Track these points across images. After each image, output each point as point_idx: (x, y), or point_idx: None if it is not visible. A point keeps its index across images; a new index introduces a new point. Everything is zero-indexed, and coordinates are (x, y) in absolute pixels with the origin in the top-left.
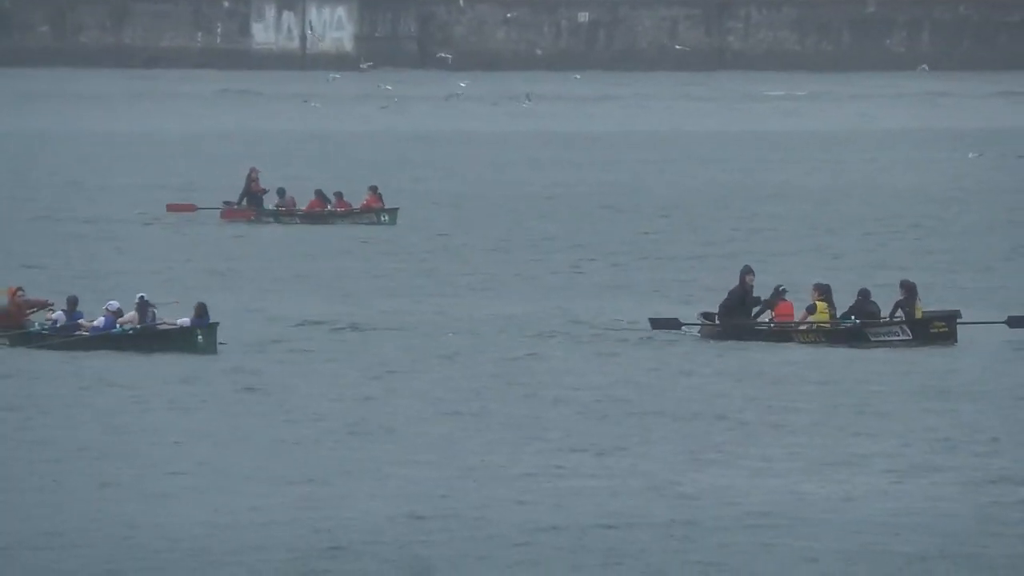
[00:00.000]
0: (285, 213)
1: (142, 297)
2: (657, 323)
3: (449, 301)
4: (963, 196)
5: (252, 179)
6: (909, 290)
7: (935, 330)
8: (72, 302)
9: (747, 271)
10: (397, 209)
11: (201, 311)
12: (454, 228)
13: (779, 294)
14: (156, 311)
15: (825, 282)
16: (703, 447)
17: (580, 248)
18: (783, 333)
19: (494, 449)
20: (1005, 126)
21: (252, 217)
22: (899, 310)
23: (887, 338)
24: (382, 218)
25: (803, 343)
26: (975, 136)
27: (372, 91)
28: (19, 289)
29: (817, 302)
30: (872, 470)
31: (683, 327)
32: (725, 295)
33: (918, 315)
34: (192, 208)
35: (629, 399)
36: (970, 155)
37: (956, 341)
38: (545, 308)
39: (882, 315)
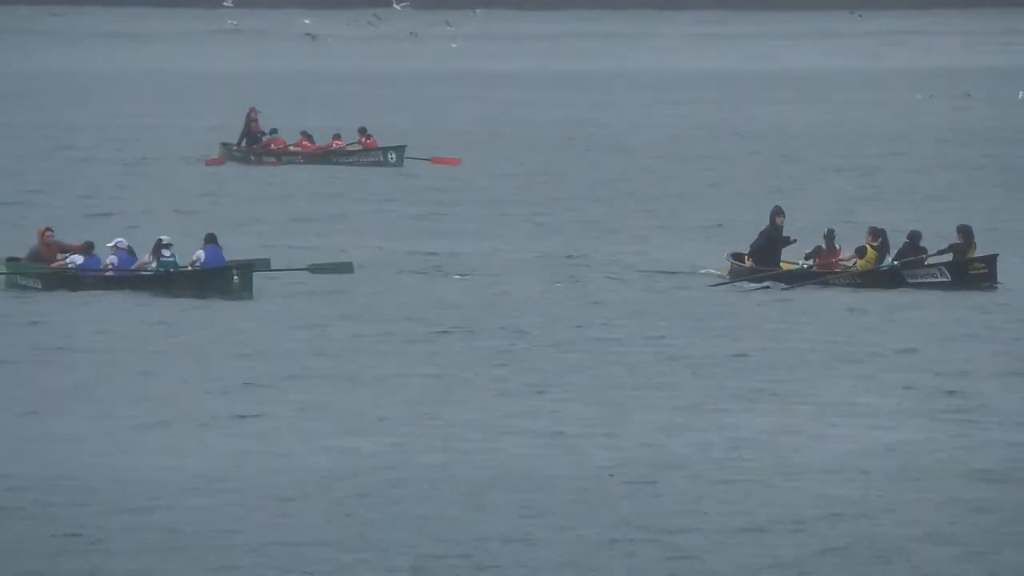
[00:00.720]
0: (287, 153)
1: (160, 240)
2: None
3: (459, 243)
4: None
5: (251, 119)
6: (966, 234)
7: (974, 271)
8: (89, 246)
9: (777, 212)
10: (404, 147)
11: (211, 238)
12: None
13: (830, 237)
14: (174, 253)
15: (881, 226)
16: (712, 395)
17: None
18: (816, 275)
19: (487, 399)
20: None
21: (252, 157)
22: (949, 253)
23: (925, 279)
24: (388, 157)
25: (838, 286)
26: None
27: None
28: (48, 229)
29: (869, 246)
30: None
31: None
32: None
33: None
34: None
35: (646, 341)
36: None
37: (996, 283)
38: (565, 251)
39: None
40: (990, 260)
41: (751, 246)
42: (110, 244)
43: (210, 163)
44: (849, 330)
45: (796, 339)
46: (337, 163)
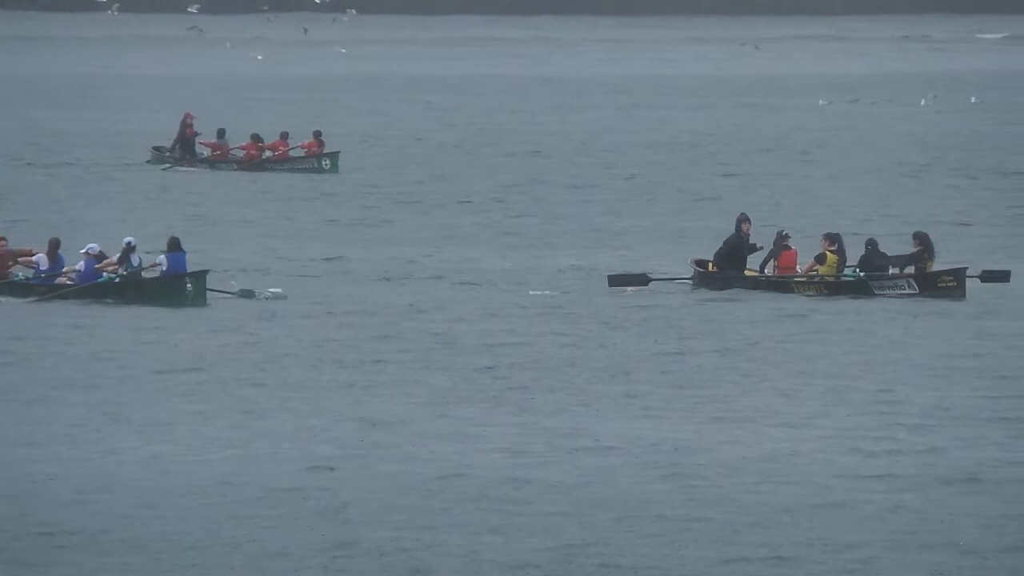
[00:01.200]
0: (220, 159)
1: (128, 242)
2: (618, 280)
3: (401, 251)
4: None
5: (187, 124)
6: (923, 242)
7: (943, 284)
8: (54, 245)
9: (743, 219)
10: (338, 153)
11: (174, 244)
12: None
13: (783, 239)
14: (140, 257)
15: (835, 231)
16: (676, 403)
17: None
18: (782, 284)
19: (415, 406)
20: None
21: (186, 164)
22: (911, 264)
23: (892, 292)
24: (323, 164)
25: (803, 295)
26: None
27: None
28: (2, 239)
29: (828, 252)
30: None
31: (652, 283)
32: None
33: (929, 269)
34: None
35: (601, 350)
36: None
37: (964, 296)
38: (499, 260)
39: (891, 268)
40: (959, 273)
41: (715, 253)
42: (82, 250)
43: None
44: (815, 341)
45: (761, 349)
46: (272, 169)
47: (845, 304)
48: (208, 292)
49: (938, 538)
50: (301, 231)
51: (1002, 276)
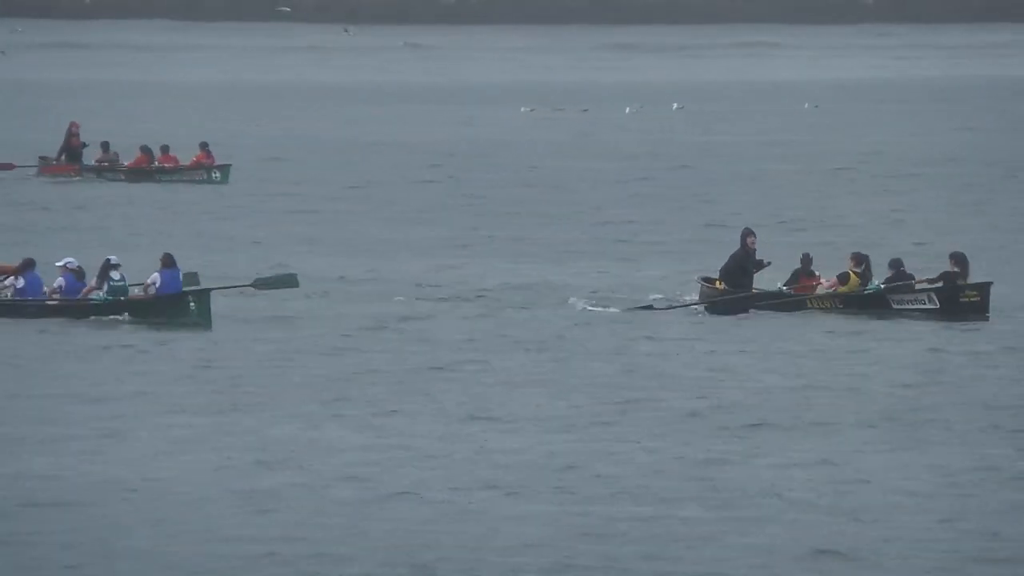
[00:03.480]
0: (108, 169)
1: (109, 260)
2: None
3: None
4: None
5: (72, 133)
6: (960, 262)
7: (966, 299)
8: (29, 263)
9: (748, 232)
10: (229, 166)
11: (168, 261)
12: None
13: (807, 262)
14: (123, 274)
15: (864, 252)
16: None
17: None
18: (795, 301)
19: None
20: None
21: (73, 173)
22: (941, 281)
23: (912, 307)
24: (213, 175)
25: (818, 310)
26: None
27: None
28: None
29: (852, 272)
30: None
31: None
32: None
33: None
34: (11, 166)
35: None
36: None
37: (988, 312)
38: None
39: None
40: (983, 288)
41: (721, 269)
42: (59, 263)
43: (44, 170)
44: (827, 357)
45: (768, 366)
46: (160, 181)
47: (861, 322)
48: (216, 298)
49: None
50: (182, 242)
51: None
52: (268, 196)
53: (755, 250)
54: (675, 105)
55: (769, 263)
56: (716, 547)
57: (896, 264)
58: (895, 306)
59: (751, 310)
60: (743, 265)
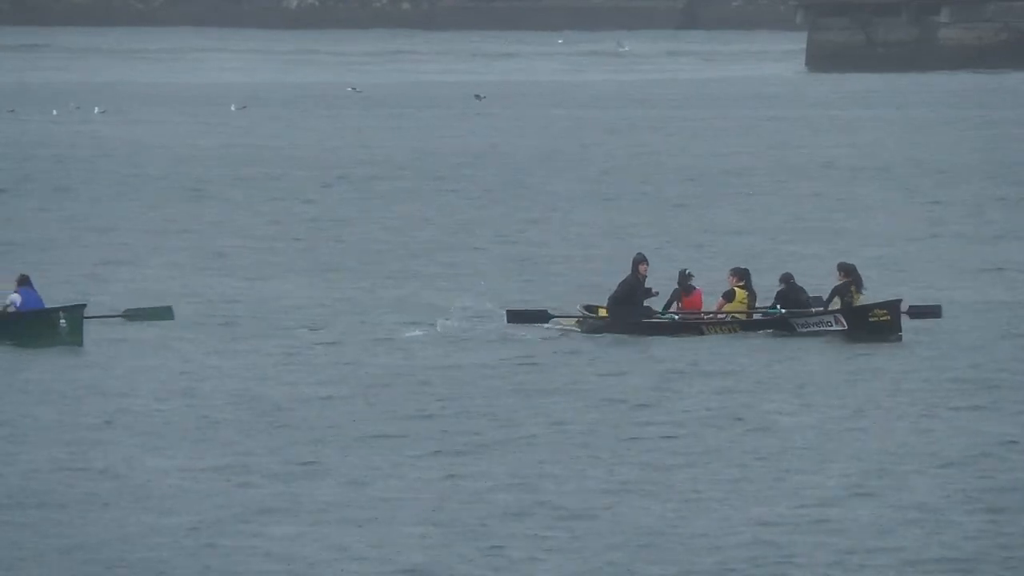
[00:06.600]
0: None
1: None
2: (517, 316)
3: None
4: None
5: None
6: (849, 273)
7: (875, 319)
8: (23, 280)
9: (640, 259)
10: None
11: (24, 280)
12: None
13: (686, 279)
14: None
15: (743, 266)
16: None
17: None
18: (690, 325)
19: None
20: None
21: None
22: (836, 297)
23: (817, 328)
24: None
25: (716, 335)
26: None
27: None
28: None
29: (736, 288)
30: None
31: (552, 320)
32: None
33: (857, 303)
34: None
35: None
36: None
37: (900, 332)
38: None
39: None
40: (893, 307)
41: (610, 297)
42: None
43: None
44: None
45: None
46: None
47: (765, 342)
48: (87, 323)
49: None
50: None
51: (933, 311)
52: None
53: (646, 277)
54: (97, 109)
55: (657, 293)
56: None
57: (787, 278)
58: (800, 329)
59: (641, 336)
60: (633, 293)
